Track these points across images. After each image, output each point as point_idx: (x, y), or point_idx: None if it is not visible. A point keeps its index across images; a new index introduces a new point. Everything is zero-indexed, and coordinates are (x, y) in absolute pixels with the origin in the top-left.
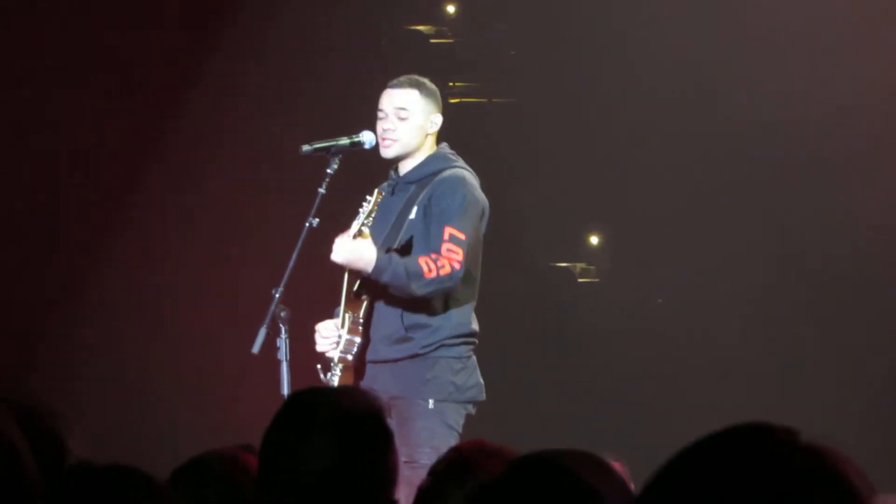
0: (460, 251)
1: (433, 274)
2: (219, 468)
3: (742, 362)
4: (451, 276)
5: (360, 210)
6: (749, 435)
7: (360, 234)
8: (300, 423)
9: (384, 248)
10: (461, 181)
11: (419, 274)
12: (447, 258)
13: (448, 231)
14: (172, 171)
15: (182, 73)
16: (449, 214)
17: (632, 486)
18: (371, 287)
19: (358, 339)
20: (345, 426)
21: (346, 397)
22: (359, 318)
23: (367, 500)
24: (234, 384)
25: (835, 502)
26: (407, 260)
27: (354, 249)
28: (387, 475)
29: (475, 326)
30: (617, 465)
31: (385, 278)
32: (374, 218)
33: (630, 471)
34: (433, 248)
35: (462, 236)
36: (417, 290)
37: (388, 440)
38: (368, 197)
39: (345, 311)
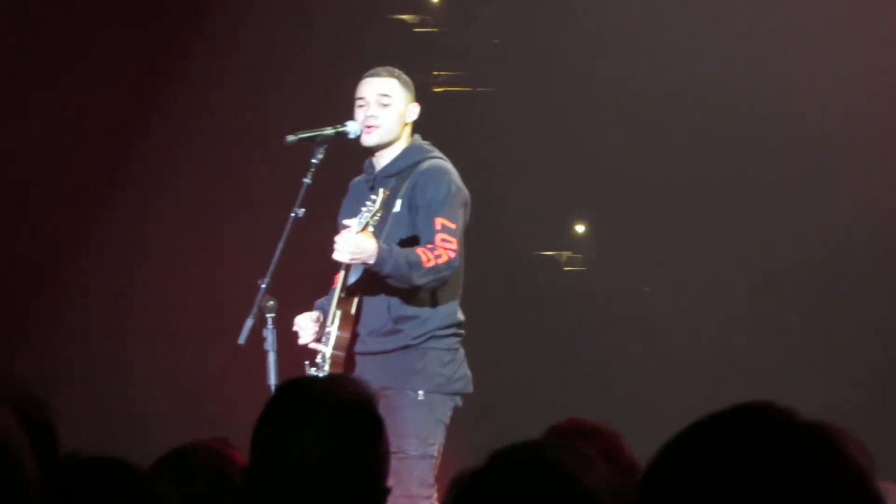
0: (454, 240)
1: (431, 263)
2: (205, 458)
3: (730, 350)
4: (448, 264)
5: (363, 209)
6: (751, 412)
7: (363, 230)
8: (291, 412)
9: None
10: (444, 171)
11: (419, 263)
12: (442, 248)
13: (439, 221)
14: (156, 161)
15: (165, 64)
16: (437, 205)
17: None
18: (361, 283)
19: (348, 335)
20: (335, 414)
21: (337, 385)
22: (350, 313)
23: (358, 488)
24: (220, 375)
25: (837, 475)
26: (406, 250)
27: (357, 245)
28: (378, 463)
29: (461, 317)
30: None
31: (387, 269)
32: (373, 215)
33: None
34: (427, 240)
35: (453, 226)
36: (417, 279)
37: (379, 428)
38: (374, 196)
39: (336, 308)
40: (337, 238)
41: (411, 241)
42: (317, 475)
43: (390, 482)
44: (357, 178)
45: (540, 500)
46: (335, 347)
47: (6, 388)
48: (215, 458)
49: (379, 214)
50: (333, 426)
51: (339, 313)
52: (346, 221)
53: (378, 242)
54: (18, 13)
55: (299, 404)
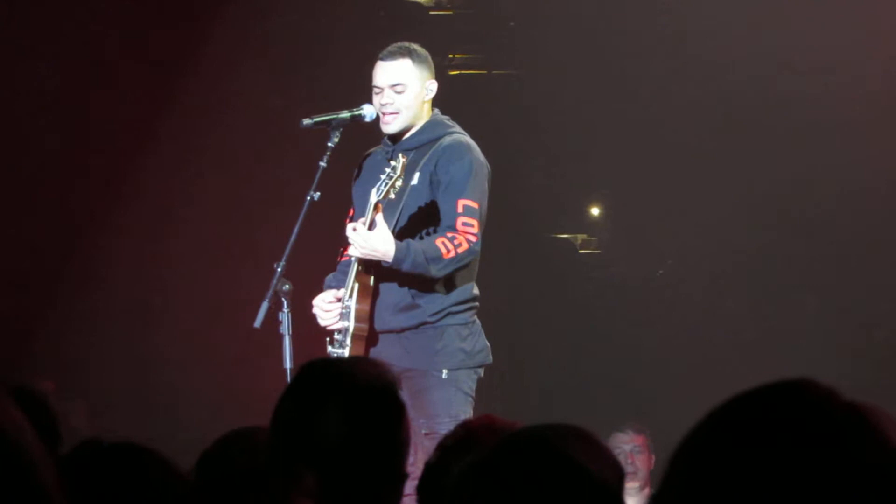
0: (475, 222)
1: (451, 254)
2: (250, 444)
3: (745, 331)
4: (469, 250)
5: (382, 176)
6: (790, 390)
7: (375, 208)
8: (311, 393)
9: (388, 214)
10: (466, 147)
11: (438, 257)
12: (463, 234)
13: (462, 203)
14: (175, 145)
15: (184, 48)
16: (459, 184)
17: (652, 457)
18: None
19: (368, 307)
20: (356, 397)
21: (360, 368)
22: (368, 285)
23: (378, 472)
24: (235, 358)
25: (875, 455)
26: (424, 244)
27: (372, 245)
28: (398, 447)
29: (477, 291)
30: (640, 440)
31: (405, 267)
32: (393, 182)
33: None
34: (448, 224)
35: (475, 205)
36: (437, 272)
37: (401, 412)
38: (393, 163)
39: (354, 281)
40: (351, 234)
41: (428, 215)
42: (335, 457)
43: (423, 463)
44: (373, 150)
45: (544, 485)
46: (357, 320)
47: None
48: (260, 443)
49: (399, 182)
50: (353, 409)
51: (356, 286)
52: (365, 196)
53: (395, 241)
54: (35, 11)
55: (320, 386)
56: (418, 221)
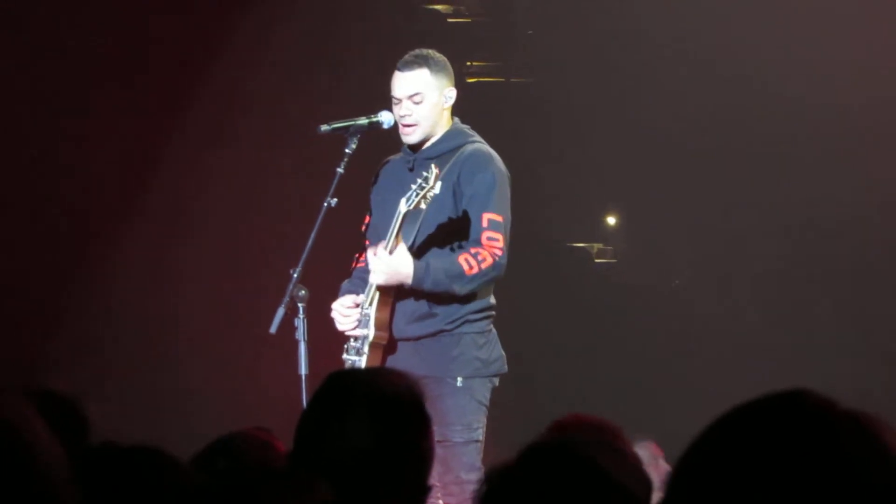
0: (500, 236)
1: (474, 270)
2: (250, 447)
3: (760, 340)
4: (494, 265)
5: (413, 186)
6: (789, 400)
7: (396, 238)
8: (335, 403)
9: (409, 223)
10: (488, 157)
11: (460, 274)
12: (488, 248)
13: (486, 217)
14: (191, 150)
15: (201, 53)
16: (483, 198)
17: (666, 466)
18: None
19: (388, 316)
20: (383, 409)
21: (386, 380)
22: (389, 295)
23: (401, 484)
24: (251, 364)
25: (874, 464)
26: (445, 262)
27: (393, 267)
28: (422, 460)
29: (493, 301)
30: (653, 446)
31: (426, 287)
32: (425, 193)
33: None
34: (473, 238)
35: (500, 218)
36: (460, 290)
37: (426, 425)
38: (425, 173)
39: (375, 289)
40: (371, 259)
41: (449, 226)
42: (357, 468)
43: (438, 470)
44: (392, 157)
45: (571, 495)
46: (377, 328)
47: (31, 385)
48: (259, 447)
49: (431, 193)
50: (376, 420)
51: (377, 295)
52: (386, 204)
53: (414, 261)
54: (50, 17)
55: (344, 396)
56: (439, 232)
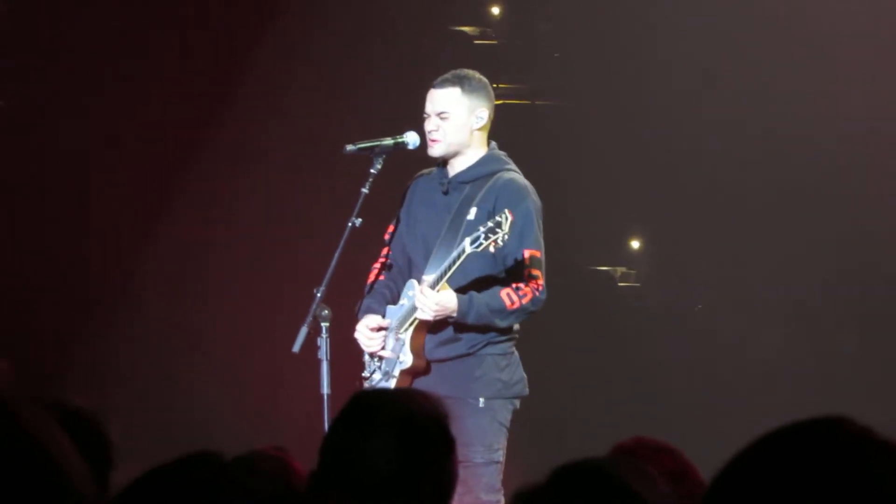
0: (540, 273)
1: (516, 305)
2: (267, 466)
3: (783, 365)
4: (533, 301)
5: (482, 228)
6: (826, 426)
7: (442, 280)
8: (361, 423)
9: (443, 250)
10: (525, 190)
11: (502, 308)
12: (531, 285)
13: (528, 254)
14: (215, 170)
15: (228, 72)
16: (524, 234)
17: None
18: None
19: (423, 342)
20: (408, 429)
21: (412, 400)
22: (428, 324)
23: None
24: (273, 383)
25: None
26: (487, 296)
27: (440, 303)
28: (445, 481)
29: (517, 325)
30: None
31: (470, 321)
32: (488, 241)
33: None
34: (516, 275)
35: (538, 254)
36: (501, 323)
37: (451, 446)
38: (499, 218)
39: (415, 319)
40: (417, 296)
41: (483, 254)
42: (381, 488)
43: (458, 490)
44: (425, 172)
45: None
46: (414, 355)
47: (55, 403)
48: (276, 467)
49: (501, 240)
50: (401, 440)
51: (416, 322)
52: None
53: (458, 296)
54: (85, 19)
55: (369, 416)
56: (474, 259)
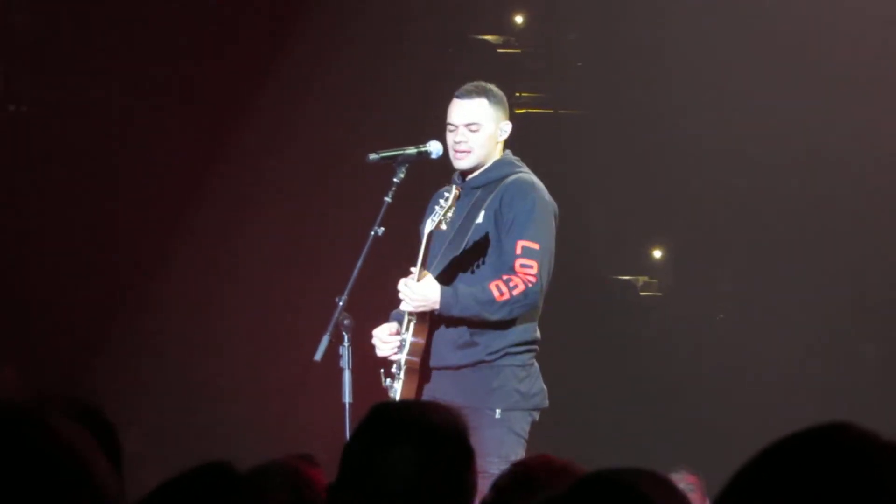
0: (534, 264)
1: (505, 296)
2: (284, 476)
3: (804, 376)
4: (526, 292)
5: (437, 207)
6: (831, 432)
7: (423, 263)
8: (381, 433)
9: (449, 252)
10: (530, 185)
11: (490, 300)
12: (521, 275)
13: (521, 244)
14: (238, 178)
15: (250, 81)
16: (521, 225)
17: (706, 500)
18: None
19: (423, 341)
20: (425, 440)
21: (431, 412)
22: (425, 321)
23: None
24: (295, 391)
25: None
26: (475, 289)
27: (421, 294)
28: (465, 493)
29: (538, 334)
30: (692, 479)
31: (455, 313)
32: (445, 212)
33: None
34: (507, 265)
35: (536, 246)
36: (491, 316)
37: (469, 458)
38: (447, 193)
39: (410, 315)
40: (400, 286)
41: (490, 254)
42: (399, 500)
43: (477, 502)
44: (446, 188)
45: None
46: (410, 353)
47: (68, 404)
48: (291, 479)
49: (451, 211)
50: (421, 452)
51: (413, 320)
52: (428, 223)
53: (441, 288)
54: (108, 24)
55: (389, 427)
56: (480, 260)
